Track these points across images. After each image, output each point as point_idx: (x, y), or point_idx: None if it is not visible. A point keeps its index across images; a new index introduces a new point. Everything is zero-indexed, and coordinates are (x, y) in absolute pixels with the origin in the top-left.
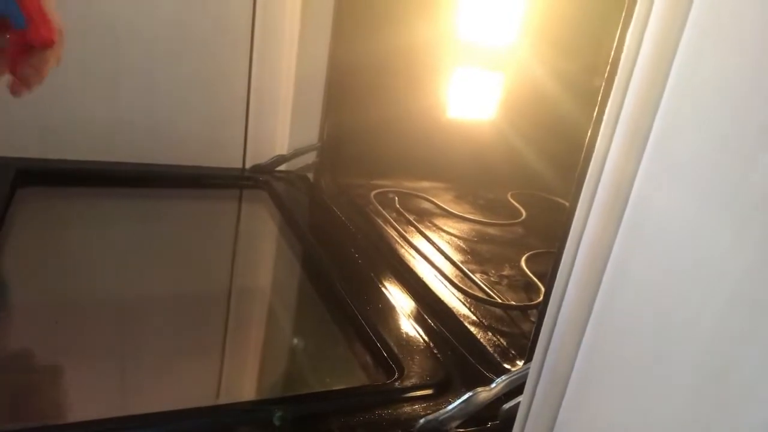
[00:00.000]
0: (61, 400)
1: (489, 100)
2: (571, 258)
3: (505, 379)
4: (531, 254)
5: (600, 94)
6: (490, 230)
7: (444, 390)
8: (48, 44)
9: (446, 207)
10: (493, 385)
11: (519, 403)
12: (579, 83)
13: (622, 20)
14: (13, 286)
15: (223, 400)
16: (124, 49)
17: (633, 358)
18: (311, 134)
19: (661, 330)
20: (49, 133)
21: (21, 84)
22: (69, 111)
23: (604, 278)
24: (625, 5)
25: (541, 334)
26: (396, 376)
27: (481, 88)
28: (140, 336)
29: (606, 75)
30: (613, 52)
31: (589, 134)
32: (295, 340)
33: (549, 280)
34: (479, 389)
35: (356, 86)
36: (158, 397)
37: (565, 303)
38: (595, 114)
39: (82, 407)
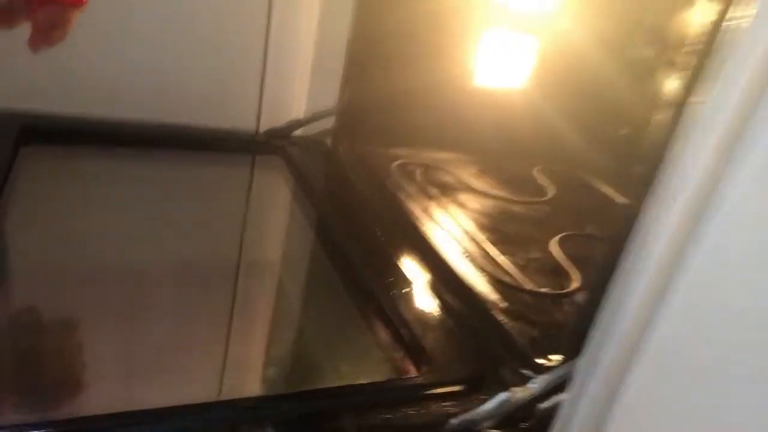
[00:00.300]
0: (65, 365)
1: (520, 67)
2: (638, 255)
3: (546, 379)
4: (561, 236)
5: (688, 79)
6: (516, 208)
7: (474, 386)
8: (78, 3)
9: (470, 181)
10: (532, 385)
11: (558, 403)
12: (614, 51)
13: None
14: (16, 249)
15: (226, 385)
16: (136, 2)
17: (697, 372)
18: (330, 98)
19: (743, 335)
20: (55, 86)
21: (42, 39)
22: (76, 64)
23: (673, 288)
24: None
25: (595, 331)
26: (424, 369)
27: (511, 55)
28: (142, 307)
29: (699, 54)
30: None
31: (654, 122)
32: (309, 324)
33: (602, 270)
34: (516, 389)
35: (380, 50)
36: (161, 370)
37: (628, 299)
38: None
39: (85, 372)
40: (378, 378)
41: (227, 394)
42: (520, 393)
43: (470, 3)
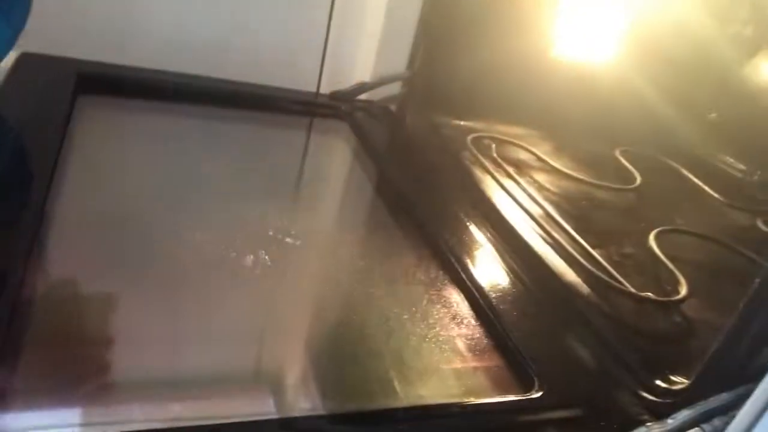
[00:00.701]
0: (110, 329)
1: (606, 37)
2: None
3: (688, 414)
4: (660, 231)
5: None
6: (600, 194)
7: (592, 410)
8: None
9: (549, 160)
10: (671, 421)
11: None
12: (711, 26)
13: None
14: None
15: (275, 375)
16: None
17: None
18: (400, 63)
19: None
20: (113, 35)
21: None
22: (136, 13)
23: None
24: None
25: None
26: (535, 387)
27: (598, 23)
28: (194, 273)
29: None
30: None
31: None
32: (393, 324)
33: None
34: (653, 425)
35: (455, 15)
36: (203, 343)
37: None
38: None
39: (130, 338)
40: (472, 394)
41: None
42: (657, 429)
43: None
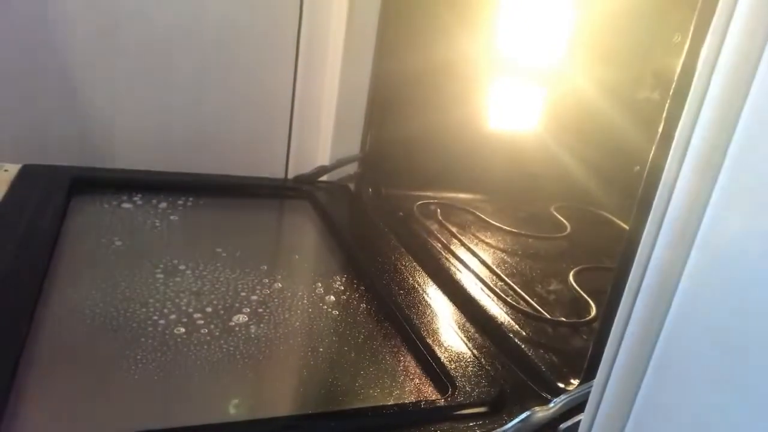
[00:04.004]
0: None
1: (531, 111)
2: (636, 282)
3: (564, 399)
4: (578, 269)
5: (665, 112)
6: (534, 244)
7: (498, 408)
8: None
9: (488, 219)
10: (552, 404)
11: (578, 422)
12: (623, 94)
13: (691, 32)
14: (69, 293)
15: (261, 410)
16: (175, 63)
17: (703, 385)
18: (353, 145)
19: (733, 361)
20: (103, 143)
21: None
22: (121, 122)
23: (674, 305)
24: (695, 16)
25: (605, 353)
26: (449, 392)
27: (523, 99)
28: (184, 343)
29: (672, 92)
30: (679, 68)
31: (652, 154)
32: (340, 352)
33: (610, 296)
34: (537, 408)
35: (398, 98)
36: (198, 405)
37: (631, 325)
38: (660, 131)
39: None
40: (406, 401)
41: (253, 412)
42: (540, 413)
43: (482, 52)
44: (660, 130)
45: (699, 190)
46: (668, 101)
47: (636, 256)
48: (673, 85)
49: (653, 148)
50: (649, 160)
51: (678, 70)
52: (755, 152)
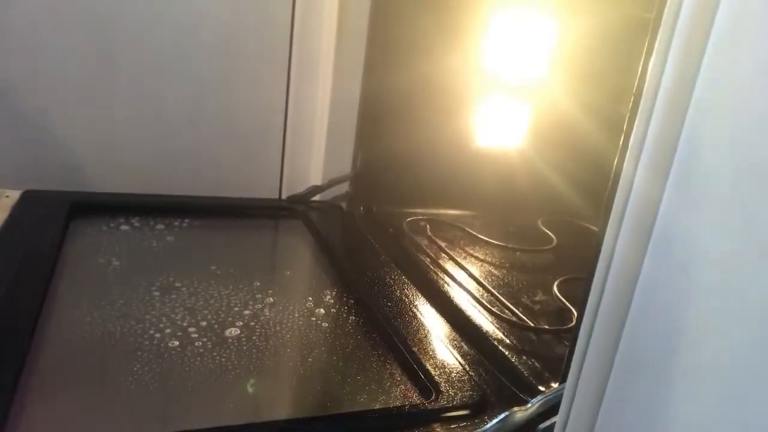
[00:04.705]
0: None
1: (518, 128)
2: (601, 282)
3: (540, 399)
4: (563, 280)
5: (626, 122)
6: (522, 256)
7: (480, 410)
8: None
9: (477, 234)
10: (529, 405)
11: (554, 422)
12: (605, 111)
13: (645, 50)
14: (67, 314)
15: (253, 415)
16: (169, 89)
17: (664, 376)
18: (344, 165)
19: (691, 350)
20: (101, 168)
21: None
22: (118, 147)
23: (634, 300)
24: (648, 36)
25: (575, 354)
26: (432, 396)
27: (508, 117)
28: (179, 355)
29: (631, 104)
30: (637, 81)
31: (616, 161)
32: (329, 361)
33: (582, 303)
34: (515, 409)
35: (387, 118)
36: (193, 412)
37: (597, 325)
38: (621, 141)
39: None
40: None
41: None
42: (519, 413)
43: (469, 71)
44: (621, 141)
45: (653, 189)
46: (627, 114)
47: (598, 262)
48: (632, 99)
49: (616, 158)
50: (613, 169)
51: (635, 86)
52: (701, 158)
